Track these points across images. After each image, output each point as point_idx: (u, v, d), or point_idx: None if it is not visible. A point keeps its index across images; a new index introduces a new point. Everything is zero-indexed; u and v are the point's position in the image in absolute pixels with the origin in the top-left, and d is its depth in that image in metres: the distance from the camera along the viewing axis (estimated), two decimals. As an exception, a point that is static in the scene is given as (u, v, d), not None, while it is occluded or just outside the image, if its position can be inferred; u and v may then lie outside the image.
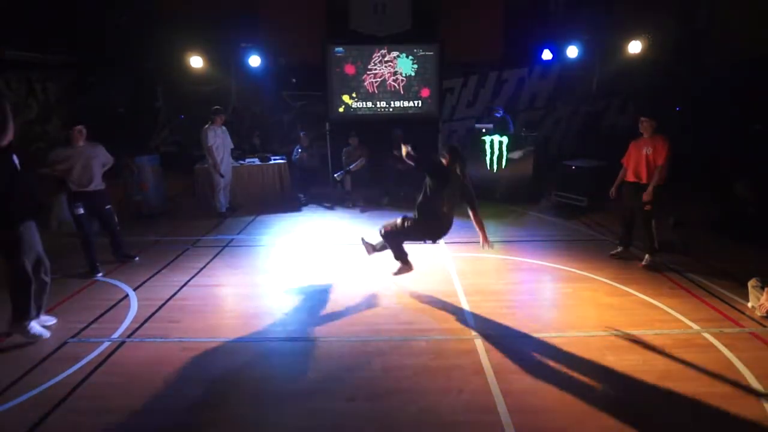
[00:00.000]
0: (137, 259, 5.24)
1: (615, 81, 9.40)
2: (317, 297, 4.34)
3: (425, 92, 8.89)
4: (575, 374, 3.08)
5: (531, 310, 4.02)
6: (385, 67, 8.74)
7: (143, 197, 7.01)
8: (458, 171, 3.93)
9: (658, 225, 4.93)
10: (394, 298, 4.26)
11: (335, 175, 7.91)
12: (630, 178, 4.93)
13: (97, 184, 4.80)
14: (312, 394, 2.95)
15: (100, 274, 4.85)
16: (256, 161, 7.94)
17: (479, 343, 3.47)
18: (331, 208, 7.63)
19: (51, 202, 6.42)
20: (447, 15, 8.89)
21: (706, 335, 3.54)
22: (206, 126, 6.81)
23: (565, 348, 3.40)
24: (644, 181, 4.77)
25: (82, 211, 4.76)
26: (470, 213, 4.09)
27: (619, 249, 5.20)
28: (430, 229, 4.10)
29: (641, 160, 4.77)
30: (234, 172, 7.44)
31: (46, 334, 3.58)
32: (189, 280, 4.74)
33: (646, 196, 4.69)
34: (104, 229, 5.09)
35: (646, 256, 4.92)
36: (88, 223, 4.86)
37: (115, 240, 5.18)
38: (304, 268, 5.09)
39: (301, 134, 8.05)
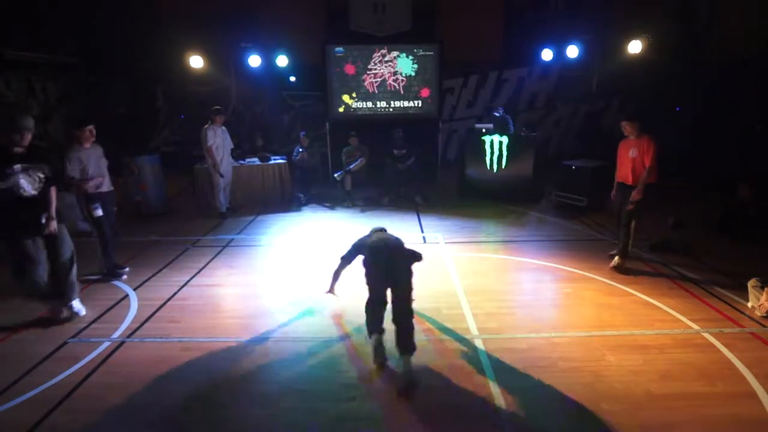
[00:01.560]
0: (127, 269, 4.94)
1: (615, 81, 9.41)
2: (317, 297, 4.34)
3: (425, 92, 8.89)
4: (575, 374, 3.08)
5: (531, 310, 4.02)
6: (385, 67, 8.74)
7: (143, 197, 7.01)
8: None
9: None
10: (394, 298, 4.25)
11: (335, 175, 7.90)
12: (619, 179, 4.95)
13: (108, 185, 4.77)
14: (312, 393, 2.95)
15: (125, 277, 4.80)
16: (256, 161, 7.93)
17: (479, 343, 3.47)
18: (331, 208, 7.63)
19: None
20: (447, 15, 8.90)
21: (706, 335, 3.54)
22: (206, 126, 6.81)
23: (566, 348, 3.41)
24: (630, 182, 4.75)
25: (101, 212, 4.65)
26: None
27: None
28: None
29: (627, 162, 4.77)
30: (234, 172, 7.43)
31: None
32: (189, 280, 4.74)
33: (636, 195, 4.64)
34: None
35: (616, 258, 4.86)
36: (108, 223, 4.77)
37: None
38: (304, 268, 5.09)
39: (302, 134, 8.05)
